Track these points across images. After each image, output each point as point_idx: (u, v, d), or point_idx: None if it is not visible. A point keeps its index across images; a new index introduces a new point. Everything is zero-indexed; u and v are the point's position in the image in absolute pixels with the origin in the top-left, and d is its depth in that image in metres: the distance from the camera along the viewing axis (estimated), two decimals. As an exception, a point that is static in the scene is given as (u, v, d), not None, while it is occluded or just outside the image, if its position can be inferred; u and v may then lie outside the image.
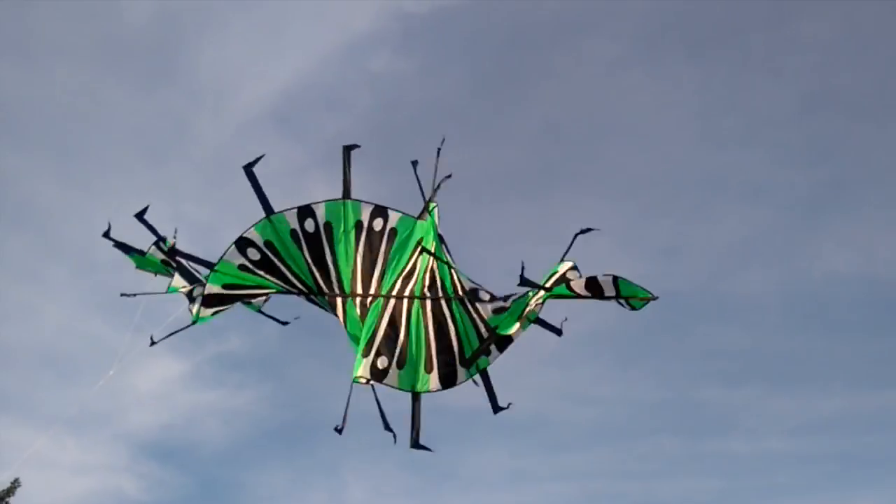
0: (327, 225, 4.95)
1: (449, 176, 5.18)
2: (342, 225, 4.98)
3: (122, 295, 5.91)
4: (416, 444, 4.65)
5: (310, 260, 4.92)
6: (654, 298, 4.47)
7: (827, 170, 23.47)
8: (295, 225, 4.92)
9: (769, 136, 23.17)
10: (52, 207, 23.96)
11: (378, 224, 4.96)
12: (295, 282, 4.95)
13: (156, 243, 6.11)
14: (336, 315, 4.99)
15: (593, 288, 4.54)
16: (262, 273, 4.89)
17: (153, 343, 5.52)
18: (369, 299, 4.83)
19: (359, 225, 4.98)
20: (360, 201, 5.01)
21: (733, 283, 23.21)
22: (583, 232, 4.82)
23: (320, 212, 4.94)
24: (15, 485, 14.94)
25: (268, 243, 4.89)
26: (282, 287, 4.97)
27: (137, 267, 6.29)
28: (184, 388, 22.09)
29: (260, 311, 5.54)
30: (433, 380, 4.65)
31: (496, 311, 4.75)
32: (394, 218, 5.02)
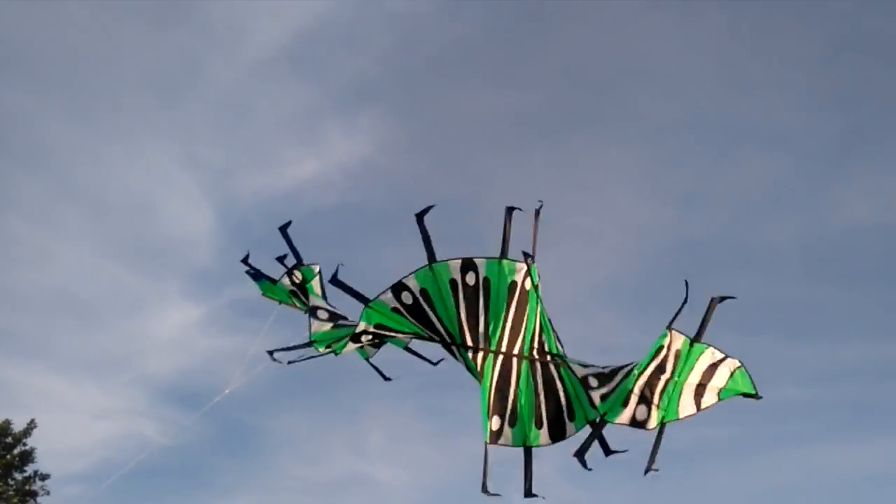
0: (486, 280, 5.01)
1: (539, 209, 5.13)
2: (497, 283, 5.05)
3: (270, 353, 5.89)
4: (528, 493, 4.71)
5: (463, 312, 5.01)
6: (759, 398, 4.50)
7: (852, 116, 22.82)
8: (457, 276, 4.97)
9: (796, 82, 22.50)
10: (65, 149, 23.81)
11: (527, 283, 5.02)
12: (441, 330, 5.04)
13: (288, 273, 6.23)
14: (473, 369, 5.08)
15: (709, 372, 4.63)
16: (410, 318, 4.99)
17: (272, 356, 5.76)
18: (501, 358, 4.98)
19: (511, 285, 5.05)
20: (515, 261, 5.06)
21: (754, 232, 22.80)
22: (720, 300, 4.83)
23: (482, 267, 5.01)
24: (31, 426, 15.04)
25: (423, 291, 4.96)
26: (426, 333, 5.06)
27: (263, 294, 6.48)
28: (202, 333, 22.04)
29: (405, 348, 5.70)
30: (543, 435, 4.80)
31: (603, 397, 4.85)
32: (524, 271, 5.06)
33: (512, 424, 4.79)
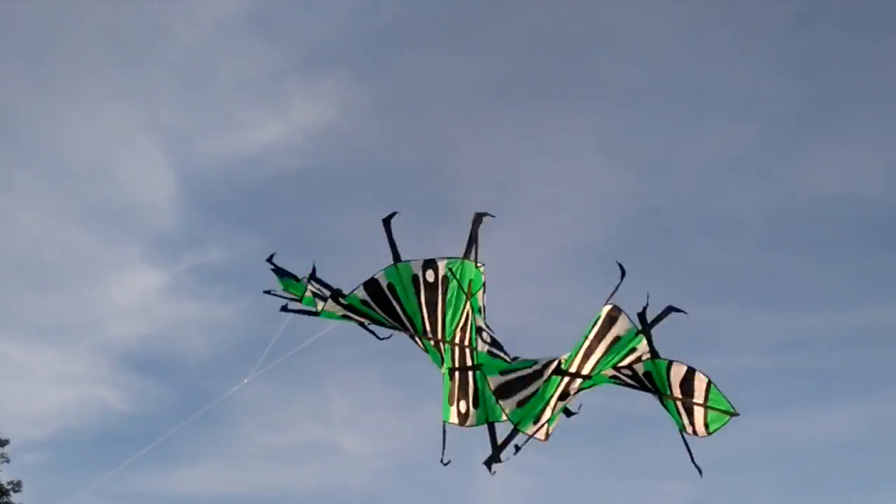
0: (444, 279, 5.69)
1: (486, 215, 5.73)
2: (456, 281, 5.71)
3: (265, 292, 6.43)
4: (497, 459, 5.22)
5: (423, 304, 5.66)
6: (736, 415, 4.70)
7: (817, 85, 22.87)
8: (418, 272, 5.65)
9: (761, 50, 22.50)
10: (23, 112, 23.26)
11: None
12: (404, 320, 5.67)
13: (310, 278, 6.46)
14: (435, 357, 5.73)
15: (685, 386, 4.83)
16: (378, 309, 5.62)
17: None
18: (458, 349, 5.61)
19: (469, 283, 5.68)
20: (476, 263, 5.68)
21: (719, 200, 22.91)
22: (671, 311, 4.96)
23: (441, 266, 5.65)
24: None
25: (390, 286, 5.62)
26: (391, 324, 5.67)
27: (285, 289, 6.62)
28: (163, 299, 21.79)
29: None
30: (506, 405, 5.31)
31: (519, 403, 5.35)
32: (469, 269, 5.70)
33: (476, 406, 5.42)
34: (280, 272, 6.52)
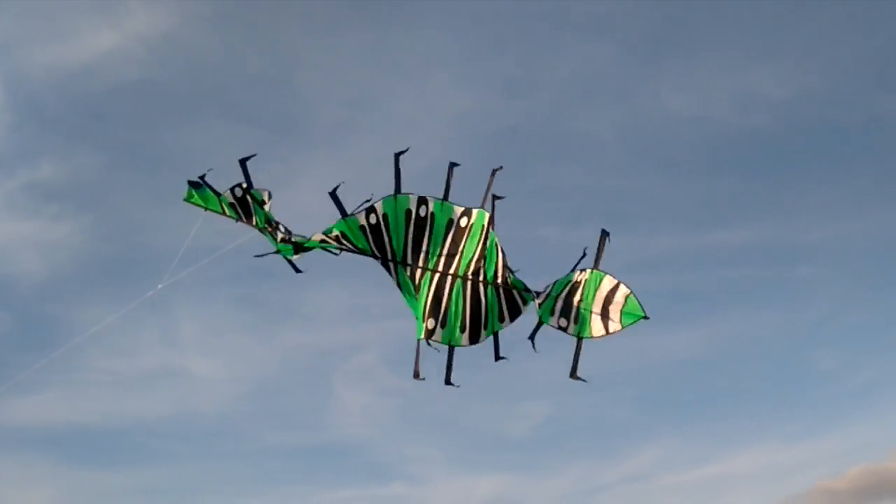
0: (431, 215, 6.35)
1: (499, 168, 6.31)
2: (440, 218, 6.39)
3: (256, 256, 6.72)
4: (447, 382, 6.09)
5: (410, 237, 6.33)
6: (646, 318, 5.72)
7: (670, 7, 23.34)
8: (412, 207, 6.31)
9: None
10: None
11: (463, 221, 6.33)
12: (388, 249, 6.32)
13: (236, 187, 6.73)
14: (405, 284, 6.39)
15: (609, 296, 5.81)
16: (369, 237, 6.29)
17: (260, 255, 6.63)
18: (438, 276, 6.32)
19: (449, 222, 6.40)
20: (453, 204, 6.39)
21: (574, 121, 23.21)
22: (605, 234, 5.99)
23: (430, 204, 6.35)
24: None
25: (384, 215, 6.27)
26: (374, 254, 6.32)
27: (187, 200, 6.87)
28: (-8, 218, 20.24)
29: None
30: (465, 337, 6.22)
31: (539, 305, 6.06)
32: (475, 214, 6.33)
33: (443, 326, 6.23)
34: (196, 184, 6.81)
